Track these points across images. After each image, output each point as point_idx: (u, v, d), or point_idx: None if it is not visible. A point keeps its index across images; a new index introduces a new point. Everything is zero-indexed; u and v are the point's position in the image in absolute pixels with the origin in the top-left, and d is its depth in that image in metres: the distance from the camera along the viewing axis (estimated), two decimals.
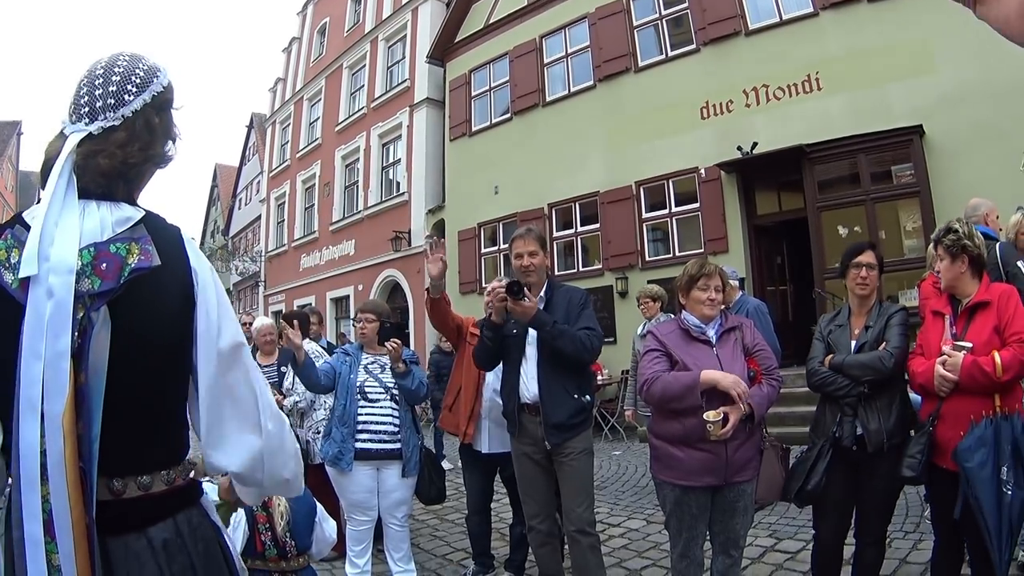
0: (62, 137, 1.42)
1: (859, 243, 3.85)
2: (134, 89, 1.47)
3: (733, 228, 11.82)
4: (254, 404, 1.48)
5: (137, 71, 1.49)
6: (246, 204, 34.48)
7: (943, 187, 9.61)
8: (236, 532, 2.84)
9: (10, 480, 1.25)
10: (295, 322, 5.33)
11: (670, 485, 3.48)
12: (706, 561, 3.61)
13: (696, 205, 12.38)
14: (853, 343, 3.54)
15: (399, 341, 4.56)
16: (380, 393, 4.60)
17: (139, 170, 1.50)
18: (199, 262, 1.47)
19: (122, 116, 1.44)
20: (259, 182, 30.69)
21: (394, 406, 4.59)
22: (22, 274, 1.27)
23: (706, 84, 12.31)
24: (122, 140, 1.44)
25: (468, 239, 16.33)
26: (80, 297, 1.28)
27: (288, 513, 2.94)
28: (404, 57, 19.68)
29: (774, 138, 11.07)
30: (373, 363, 4.71)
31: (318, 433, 5.48)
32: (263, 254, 27.98)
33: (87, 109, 1.43)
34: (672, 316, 6.39)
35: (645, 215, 13.07)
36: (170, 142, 1.58)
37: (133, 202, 1.47)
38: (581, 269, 13.84)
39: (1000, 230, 4.53)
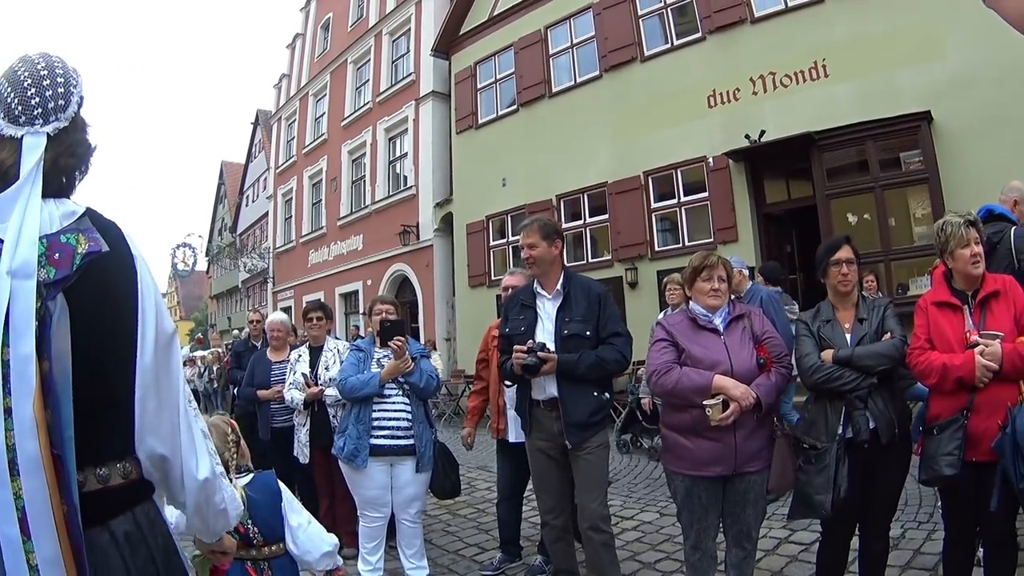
0: (4, 140, 1.42)
1: (835, 239, 3.74)
2: (73, 88, 1.50)
3: (742, 217, 11.74)
4: (179, 390, 1.53)
5: (71, 70, 1.52)
6: (253, 201, 34.60)
7: (952, 173, 9.51)
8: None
9: None
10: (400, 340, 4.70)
11: (680, 476, 3.49)
12: (719, 554, 3.59)
13: (705, 194, 12.31)
14: (848, 337, 3.47)
15: (404, 338, 4.54)
16: (392, 389, 4.58)
17: (87, 165, 1.55)
18: (138, 251, 1.51)
19: (70, 116, 1.48)
20: (266, 179, 30.78)
21: (406, 401, 4.58)
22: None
23: (713, 73, 12.21)
24: (74, 139, 1.49)
25: (477, 232, 16.30)
26: (39, 287, 1.30)
27: (247, 503, 2.80)
28: (409, 51, 19.65)
29: (782, 126, 10.97)
30: (386, 357, 4.66)
31: None
32: (271, 251, 28.07)
33: (39, 109, 1.44)
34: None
35: (654, 205, 13.01)
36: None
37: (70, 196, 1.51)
38: (590, 260, 13.78)
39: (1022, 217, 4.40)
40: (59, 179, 1.46)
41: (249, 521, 2.79)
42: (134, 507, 1.43)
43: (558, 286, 4.02)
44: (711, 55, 12.37)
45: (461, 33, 17.29)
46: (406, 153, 19.37)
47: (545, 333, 3.94)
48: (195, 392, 22.71)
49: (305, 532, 2.93)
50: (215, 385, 21.11)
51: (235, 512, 1.71)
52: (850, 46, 10.57)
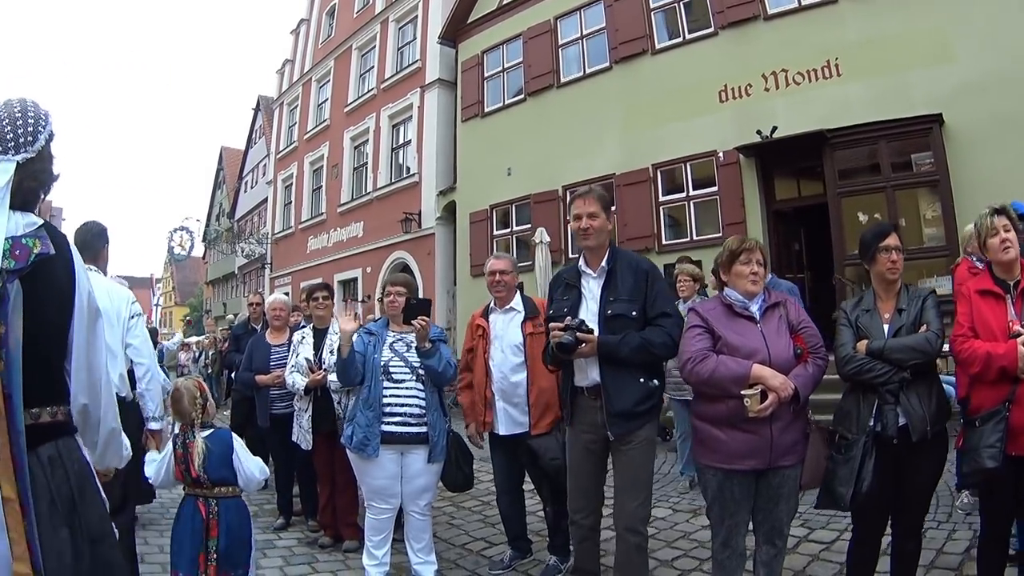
0: None
1: (882, 225, 3.69)
2: (41, 127, 1.96)
3: (752, 213, 11.69)
4: (102, 358, 2.04)
5: (41, 114, 1.98)
6: (252, 187, 34.47)
7: (963, 177, 9.53)
8: (152, 465, 3.64)
9: None
10: (347, 303, 5.00)
11: (712, 469, 3.33)
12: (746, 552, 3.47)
13: (714, 189, 12.25)
14: (886, 328, 3.37)
15: (427, 319, 4.28)
16: (405, 373, 4.35)
17: (47, 188, 2.03)
18: (77, 257, 2.00)
19: (37, 149, 1.93)
20: (266, 164, 30.66)
21: (420, 387, 4.34)
22: None
23: (724, 68, 12.15)
24: (39, 168, 1.95)
25: (480, 221, 16.21)
26: (0, 273, 1.77)
27: (205, 453, 3.55)
28: (415, 38, 19.55)
29: (793, 123, 10.93)
30: (398, 341, 4.47)
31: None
32: (269, 236, 27.92)
33: (12, 143, 1.89)
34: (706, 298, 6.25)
35: (662, 198, 12.92)
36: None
37: (34, 211, 1.97)
38: None
39: None
40: (24, 197, 1.91)
41: (201, 467, 3.51)
42: (56, 439, 1.88)
43: (603, 262, 3.71)
44: (723, 50, 12.31)
45: (469, 21, 17.17)
46: (410, 140, 19.28)
47: (589, 314, 3.64)
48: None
49: (247, 470, 3.67)
50: (210, 370, 20.98)
51: (126, 456, 2.26)
52: (862, 46, 10.55)
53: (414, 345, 4.39)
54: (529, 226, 14.84)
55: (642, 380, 3.57)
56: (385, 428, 4.22)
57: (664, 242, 12.79)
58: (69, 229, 4.61)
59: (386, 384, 4.30)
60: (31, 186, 1.93)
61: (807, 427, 3.38)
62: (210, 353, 21.94)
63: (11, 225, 1.83)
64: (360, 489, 4.80)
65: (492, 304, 4.86)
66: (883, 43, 10.32)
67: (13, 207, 1.85)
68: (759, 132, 11.29)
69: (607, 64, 14.09)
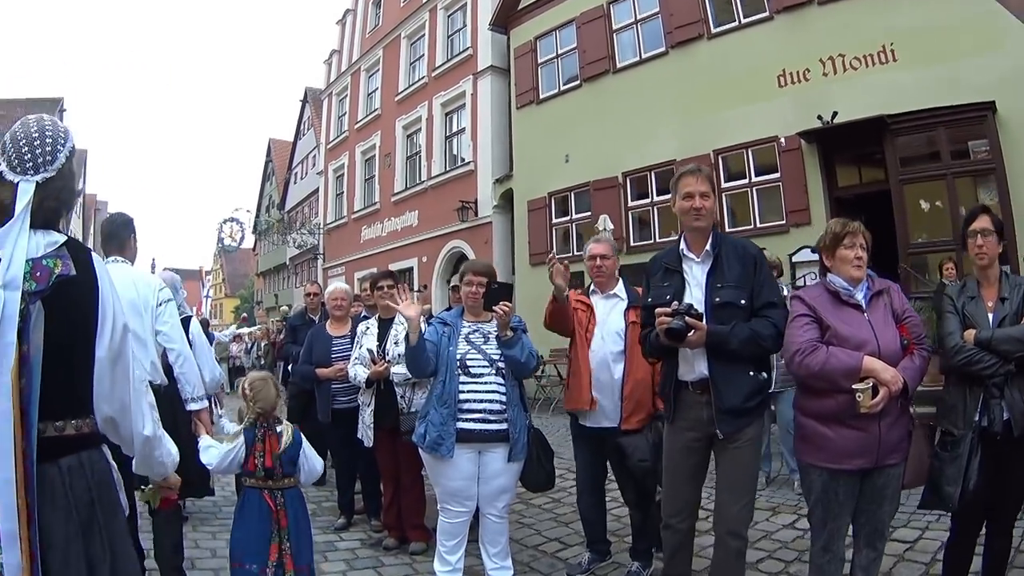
0: (6, 183, 1.92)
1: (973, 208, 3.53)
2: (60, 146, 1.98)
3: (815, 200, 11.50)
4: (130, 371, 2.04)
5: (59, 132, 2.01)
6: (302, 178, 34.77)
7: (1017, 165, 9.38)
8: (210, 451, 3.66)
9: None
10: (400, 287, 4.78)
11: (818, 469, 3.18)
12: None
13: (777, 175, 12.08)
14: (990, 317, 3.25)
15: (510, 304, 4.01)
16: (484, 367, 4.08)
17: (69, 206, 2.08)
18: (101, 271, 2.03)
19: (57, 168, 1.96)
20: (315, 155, 30.88)
21: (500, 381, 4.07)
22: None
23: (782, 52, 11.96)
24: (59, 187, 1.98)
25: (538, 209, 16.14)
26: (23, 295, 1.81)
27: (288, 443, 3.68)
28: (465, 25, 19.48)
29: (852, 108, 10.73)
30: (475, 332, 4.21)
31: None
32: (321, 227, 28.10)
33: (31, 164, 1.93)
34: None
35: (724, 185, 12.72)
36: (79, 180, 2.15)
37: (58, 228, 1.99)
38: (658, 240, 13.48)
39: None
40: (44, 216, 1.94)
41: (279, 461, 3.61)
42: (80, 451, 1.93)
43: (707, 246, 3.48)
44: (779, 34, 12.12)
45: (520, 8, 17.04)
46: (463, 128, 19.23)
47: (693, 302, 3.38)
48: (240, 368, 22.77)
49: (312, 464, 3.82)
50: (263, 361, 21.11)
51: (171, 463, 2.27)
52: (915, 32, 10.32)
53: (492, 335, 4.17)
54: (589, 214, 14.75)
55: (752, 373, 3.37)
56: (462, 425, 3.98)
57: (727, 229, 12.53)
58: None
59: (463, 379, 4.05)
60: (52, 205, 1.97)
61: (911, 422, 3.26)
62: (262, 344, 22.15)
63: (31, 246, 1.87)
64: (427, 488, 4.58)
65: (591, 287, 4.64)
66: (934, 29, 10.11)
67: (35, 226, 1.89)
68: (820, 117, 11.11)
69: (663, 49, 13.92)
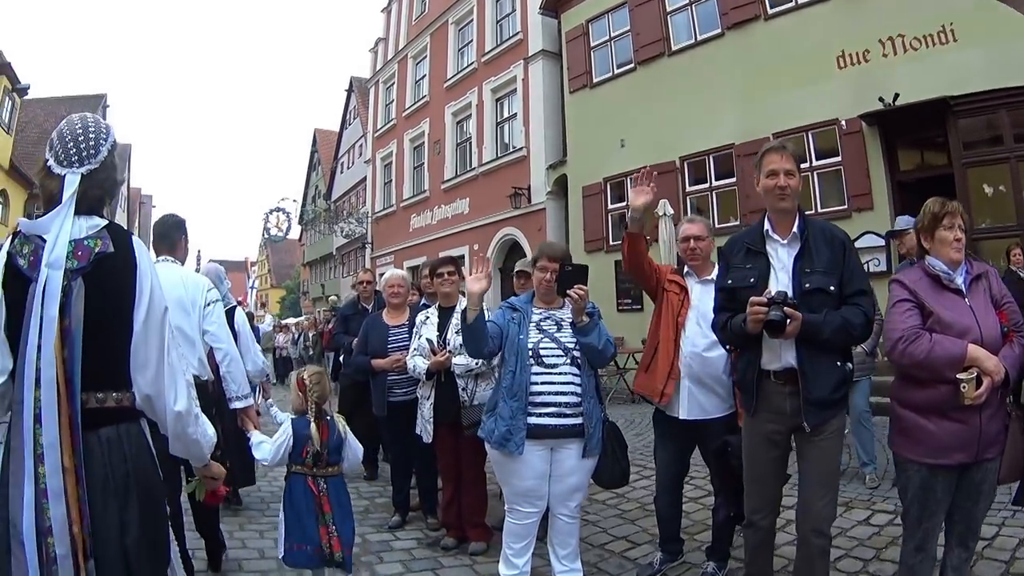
0: (54, 175, 2.11)
1: None
2: (103, 141, 2.17)
3: (877, 183, 11.27)
4: (164, 348, 2.13)
5: (102, 128, 2.20)
6: (348, 167, 34.94)
7: None
8: (262, 447, 3.77)
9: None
10: (478, 257, 4.18)
11: (916, 464, 3.04)
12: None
13: (838, 159, 11.86)
14: None
15: (585, 288, 3.71)
16: (559, 356, 3.80)
17: (112, 194, 2.23)
18: (140, 250, 2.16)
19: (100, 160, 2.15)
20: (362, 144, 30.99)
21: (575, 371, 3.80)
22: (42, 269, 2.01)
23: (841, 32, 11.71)
24: (102, 177, 2.16)
25: (594, 195, 16.05)
26: (65, 272, 1.99)
27: (343, 432, 3.85)
28: (514, 10, 19.39)
29: (914, 90, 10.49)
30: (546, 319, 3.93)
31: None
32: (369, 215, 28.21)
33: (76, 157, 2.11)
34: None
35: None
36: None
37: (101, 214, 2.16)
38: (717, 225, 13.26)
39: None
40: (89, 204, 2.12)
41: (326, 448, 3.74)
42: (119, 423, 2.08)
43: (794, 228, 3.30)
44: (837, 15, 11.87)
45: None
46: (515, 114, 19.17)
47: (779, 287, 3.22)
48: (287, 359, 22.95)
49: (355, 452, 3.95)
50: (311, 352, 21.21)
51: (207, 444, 2.28)
52: (975, 12, 10.01)
53: (566, 322, 3.90)
54: None
55: (839, 363, 3.21)
56: (534, 420, 3.72)
57: None
58: (157, 216, 4.96)
59: (536, 370, 3.77)
60: (96, 194, 2.15)
61: (1008, 414, 3.07)
62: (310, 335, 22.27)
63: (75, 229, 2.06)
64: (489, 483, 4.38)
65: (687, 269, 4.34)
66: (993, 8, 9.58)
67: (79, 213, 2.08)
68: (881, 99, 10.86)
69: (719, 31, 13.74)
